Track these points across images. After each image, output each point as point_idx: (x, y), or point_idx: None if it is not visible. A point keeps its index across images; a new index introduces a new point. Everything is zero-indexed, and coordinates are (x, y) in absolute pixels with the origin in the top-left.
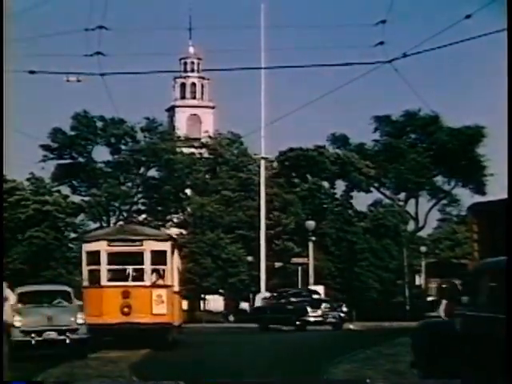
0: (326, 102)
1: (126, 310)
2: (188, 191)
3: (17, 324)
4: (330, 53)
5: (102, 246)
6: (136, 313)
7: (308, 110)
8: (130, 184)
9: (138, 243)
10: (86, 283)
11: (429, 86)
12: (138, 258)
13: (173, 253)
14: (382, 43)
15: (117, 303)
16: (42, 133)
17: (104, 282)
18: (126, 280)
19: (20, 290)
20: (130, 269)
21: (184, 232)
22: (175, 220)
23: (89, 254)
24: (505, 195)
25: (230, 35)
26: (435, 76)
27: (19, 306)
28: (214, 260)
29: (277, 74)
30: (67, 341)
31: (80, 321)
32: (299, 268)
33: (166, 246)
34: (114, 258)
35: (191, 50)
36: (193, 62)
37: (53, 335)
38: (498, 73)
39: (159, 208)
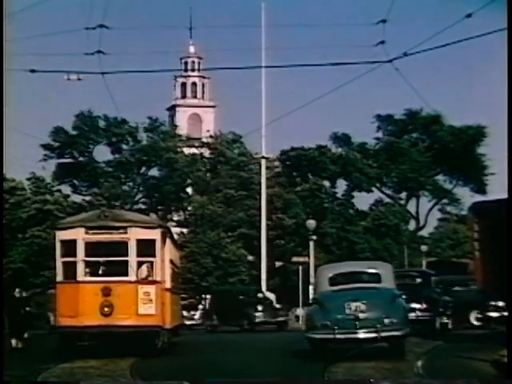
0: (326, 101)
1: (106, 310)
2: (189, 190)
3: None
4: (330, 52)
5: (79, 235)
6: (118, 313)
7: (309, 110)
8: (130, 183)
9: (121, 231)
10: (59, 278)
11: (430, 85)
12: (121, 248)
13: (164, 242)
14: (382, 42)
15: (96, 302)
16: (43, 132)
17: (81, 276)
18: (107, 275)
19: None
20: (111, 261)
21: (185, 231)
22: (176, 219)
23: (63, 243)
24: (505, 195)
25: (230, 34)
26: (436, 75)
27: None
28: (215, 259)
29: (277, 73)
30: None
31: None
32: (300, 267)
33: (155, 235)
34: (92, 248)
35: (192, 49)
36: (193, 62)
37: None
38: (498, 72)
39: (160, 207)
